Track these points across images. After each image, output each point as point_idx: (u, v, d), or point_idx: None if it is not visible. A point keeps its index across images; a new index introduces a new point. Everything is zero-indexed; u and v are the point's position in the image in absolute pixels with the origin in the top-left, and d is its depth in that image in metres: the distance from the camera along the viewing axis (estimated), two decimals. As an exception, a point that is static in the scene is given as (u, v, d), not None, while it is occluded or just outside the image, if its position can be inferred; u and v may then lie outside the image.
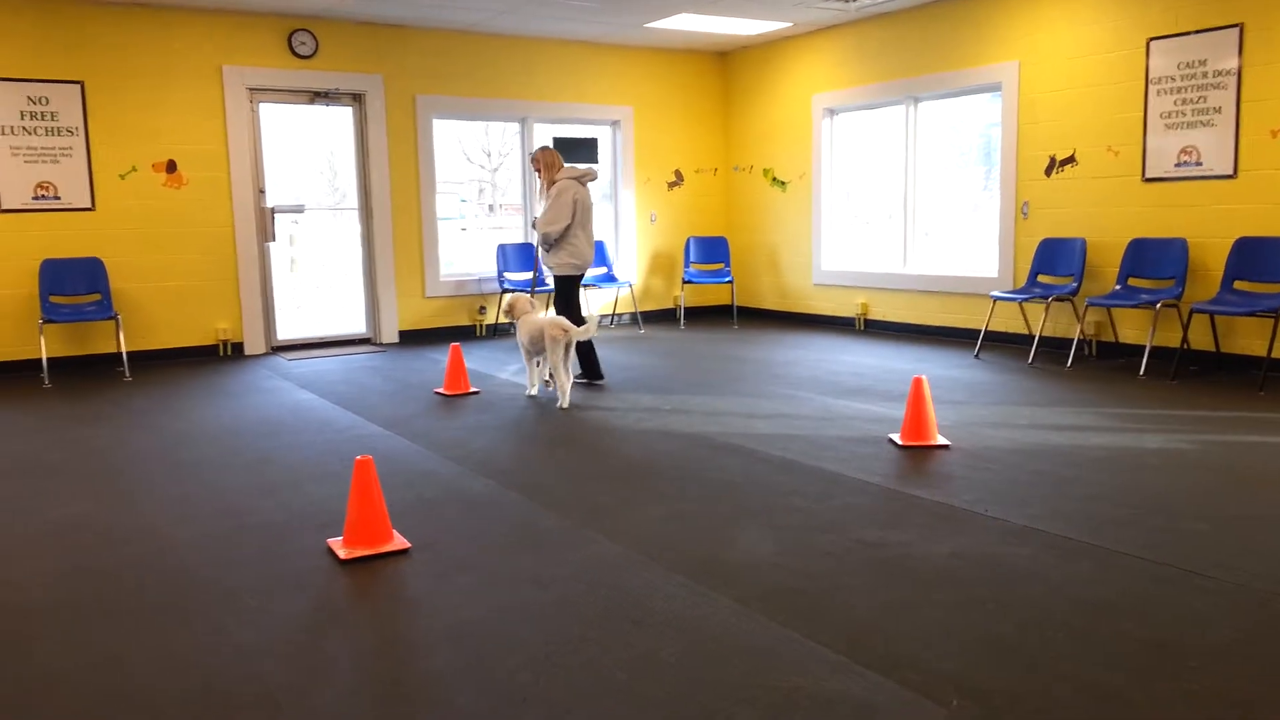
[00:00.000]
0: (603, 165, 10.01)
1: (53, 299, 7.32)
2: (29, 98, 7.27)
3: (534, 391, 6.23)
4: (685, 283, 9.97)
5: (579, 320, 6.32)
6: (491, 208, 10.38)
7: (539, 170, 6.54)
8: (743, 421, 5.39)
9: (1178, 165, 6.66)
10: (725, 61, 10.41)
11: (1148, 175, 6.84)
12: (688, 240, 10.15)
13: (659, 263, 10.31)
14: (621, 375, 6.94)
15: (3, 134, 7.22)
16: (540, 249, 6.53)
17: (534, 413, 5.73)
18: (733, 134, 10.47)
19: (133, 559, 3.44)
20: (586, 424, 5.40)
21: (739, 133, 10.38)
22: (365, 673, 2.57)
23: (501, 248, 9.22)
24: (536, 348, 6.02)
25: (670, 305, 10.41)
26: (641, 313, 10.08)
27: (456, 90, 8.97)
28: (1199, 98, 6.50)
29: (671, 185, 10.29)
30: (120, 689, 2.50)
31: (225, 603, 3.03)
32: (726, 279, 9.88)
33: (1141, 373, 6.50)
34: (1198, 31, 6.47)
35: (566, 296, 6.50)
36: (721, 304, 10.62)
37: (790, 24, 8.91)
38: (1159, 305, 6.49)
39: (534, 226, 6.49)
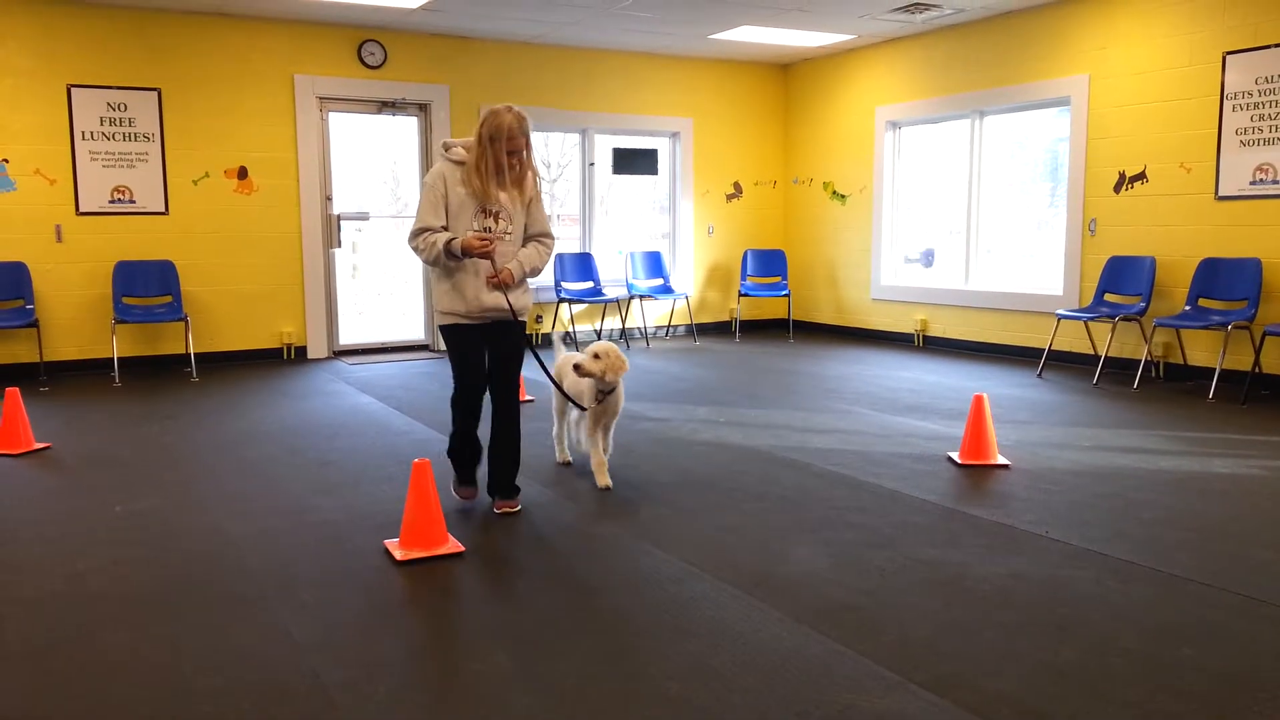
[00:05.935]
0: (662, 176, 10.04)
1: (125, 300, 7.54)
2: (108, 104, 7.51)
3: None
4: (742, 295, 9.94)
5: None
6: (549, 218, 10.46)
7: (526, 146, 3.88)
8: (798, 435, 5.35)
9: (1253, 183, 6.48)
10: (787, 73, 10.38)
11: (1221, 193, 6.66)
12: (745, 253, 10.12)
13: (715, 275, 10.30)
14: (677, 387, 6.93)
15: (83, 139, 7.46)
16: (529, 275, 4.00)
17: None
18: (793, 146, 10.42)
19: (195, 553, 3.52)
20: (641, 435, 5.40)
21: (799, 145, 10.34)
22: (417, 671, 2.60)
23: (559, 257, 9.28)
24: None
25: (726, 318, 10.39)
26: (697, 325, 10.06)
27: (519, 100, 8.99)
28: (1277, 114, 6.32)
29: (730, 197, 10.27)
30: (178, 678, 2.56)
31: (283, 598, 3.09)
32: (783, 292, 9.82)
33: (1210, 396, 6.32)
34: (1277, 45, 6.29)
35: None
36: (777, 317, 10.56)
37: (854, 36, 8.85)
38: (1230, 327, 6.31)
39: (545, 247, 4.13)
